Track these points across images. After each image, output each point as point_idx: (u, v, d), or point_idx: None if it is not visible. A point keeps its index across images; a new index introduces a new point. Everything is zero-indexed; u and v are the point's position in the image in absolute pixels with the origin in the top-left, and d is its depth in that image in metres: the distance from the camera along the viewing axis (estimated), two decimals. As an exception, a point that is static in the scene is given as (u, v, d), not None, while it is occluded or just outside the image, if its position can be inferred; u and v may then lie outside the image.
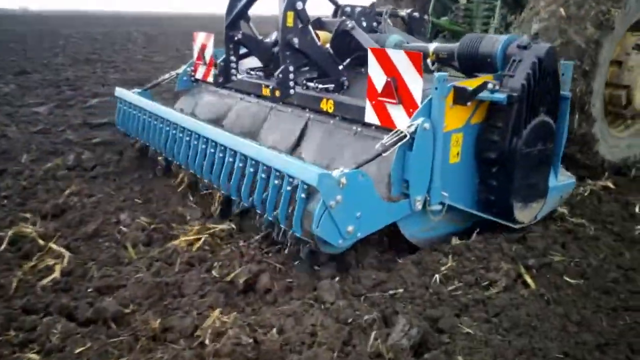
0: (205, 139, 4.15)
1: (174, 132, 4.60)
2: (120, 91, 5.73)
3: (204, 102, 5.63)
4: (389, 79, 3.39)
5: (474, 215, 3.64)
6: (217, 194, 4.17)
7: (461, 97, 3.30)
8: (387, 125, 3.47)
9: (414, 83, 3.28)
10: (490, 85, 3.38)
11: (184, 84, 5.99)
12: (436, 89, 3.21)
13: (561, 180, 4.06)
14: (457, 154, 3.50)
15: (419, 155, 3.26)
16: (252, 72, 4.97)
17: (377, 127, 3.62)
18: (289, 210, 3.20)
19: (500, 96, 3.36)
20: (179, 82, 5.99)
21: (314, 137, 4.13)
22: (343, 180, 2.96)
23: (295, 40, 3.88)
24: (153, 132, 4.94)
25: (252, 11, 4.59)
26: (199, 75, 5.67)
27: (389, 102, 3.44)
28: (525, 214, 3.77)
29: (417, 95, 3.26)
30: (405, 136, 3.14)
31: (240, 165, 3.72)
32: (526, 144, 3.55)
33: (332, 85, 4.11)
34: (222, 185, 3.92)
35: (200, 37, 5.55)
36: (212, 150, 4.05)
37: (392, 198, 3.29)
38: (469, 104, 3.35)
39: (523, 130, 3.53)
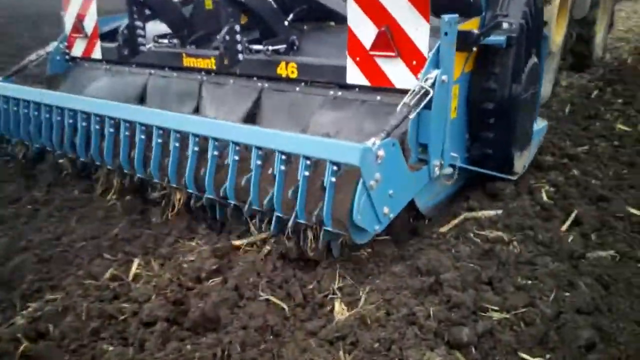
0: (149, 127, 3.39)
1: (96, 126, 3.70)
2: None
3: (99, 85, 4.54)
4: (381, 29, 2.89)
5: (466, 174, 3.41)
6: (177, 194, 3.48)
7: (466, 42, 2.97)
8: (379, 84, 3.05)
9: (418, 30, 2.80)
10: (505, 25, 3.11)
11: (58, 65, 4.91)
12: (446, 34, 2.79)
13: (539, 124, 4.03)
14: (455, 108, 3.13)
15: (438, 113, 2.89)
16: (162, 41, 4.22)
17: (361, 88, 3.19)
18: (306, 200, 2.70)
19: (499, 38, 3.09)
20: (51, 63, 4.90)
21: (274, 111, 3.47)
22: (381, 153, 2.51)
23: None
24: (56, 129, 3.98)
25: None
26: (76, 51, 4.77)
27: (382, 57, 2.96)
28: (520, 163, 3.67)
29: (423, 44, 2.82)
30: (427, 92, 2.72)
31: (216, 153, 3.09)
32: (525, 89, 3.37)
33: (283, 47, 3.53)
34: (188, 182, 3.27)
35: (74, 4, 4.51)
36: (173, 140, 3.28)
37: (412, 167, 2.92)
38: (474, 49, 3.07)
39: (522, 75, 3.32)
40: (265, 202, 2.93)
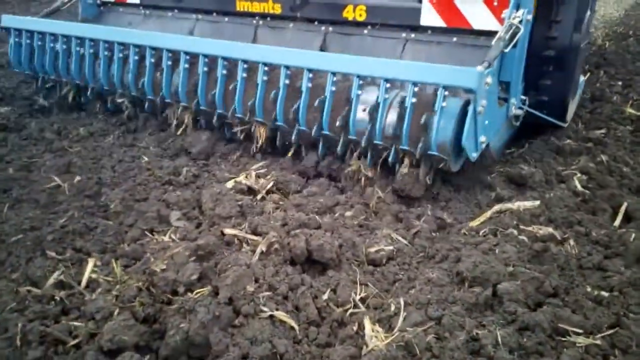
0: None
1: (169, 62, 3.60)
2: (15, 19, 4.40)
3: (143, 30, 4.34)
4: None
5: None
6: (261, 129, 3.41)
7: None
8: (456, 25, 3.13)
9: None
10: None
11: (89, 9, 4.78)
12: None
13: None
14: None
15: (521, 52, 3.00)
16: None
17: (434, 30, 3.28)
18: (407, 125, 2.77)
19: None
20: (83, 7, 4.75)
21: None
22: (489, 79, 2.61)
23: None
24: (117, 65, 3.88)
25: None
26: None
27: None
28: (570, 111, 3.85)
29: None
30: (518, 30, 2.75)
31: (310, 85, 3.05)
32: (583, 38, 3.51)
33: None
34: (279, 117, 3.23)
35: None
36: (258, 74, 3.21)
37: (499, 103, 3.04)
38: None
39: (582, 25, 3.43)
40: (367, 134, 2.94)
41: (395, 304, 2.11)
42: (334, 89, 3.00)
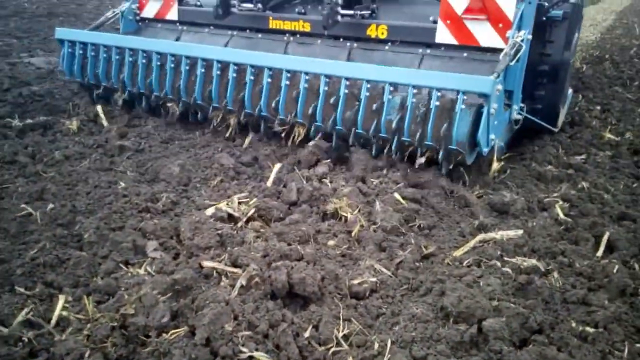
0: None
1: (218, 72, 4.07)
2: (69, 32, 4.92)
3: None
4: None
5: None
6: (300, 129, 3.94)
7: (539, 12, 3.64)
8: (466, 43, 3.67)
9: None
10: (566, 3, 3.92)
11: (129, 24, 5.24)
12: (529, 2, 3.51)
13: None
14: None
15: (522, 66, 3.56)
16: (245, 5, 4.61)
17: (446, 46, 3.79)
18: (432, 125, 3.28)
19: (558, 12, 3.89)
20: (124, 23, 5.20)
21: None
22: (499, 87, 3.17)
23: None
24: (168, 74, 4.31)
25: None
26: (147, 13, 5.12)
27: (472, 19, 3.59)
28: (561, 118, 4.49)
29: (510, 10, 3.45)
30: (520, 48, 3.32)
31: (346, 91, 3.58)
32: (571, 55, 4.20)
33: (368, 12, 4.10)
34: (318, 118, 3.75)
35: None
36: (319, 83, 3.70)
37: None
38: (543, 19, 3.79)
39: (571, 44, 4.11)
40: (396, 132, 3.47)
41: (379, 342, 2.06)
42: (368, 94, 3.52)
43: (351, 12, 4.07)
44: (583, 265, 2.55)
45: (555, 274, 2.44)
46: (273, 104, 3.91)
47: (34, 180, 3.52)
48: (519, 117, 3.75)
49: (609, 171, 3.95)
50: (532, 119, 3.98)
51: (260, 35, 4.67)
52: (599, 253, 2.72)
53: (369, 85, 3.50)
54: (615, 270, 2.47)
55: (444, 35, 3.73)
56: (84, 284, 2.45)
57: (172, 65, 4.28)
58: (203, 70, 4.16)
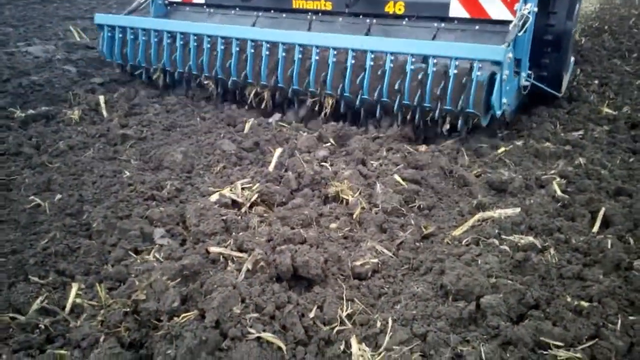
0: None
1: (251, 50, 4.44)
2: (108, 17, 5.37)
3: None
4: None
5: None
6: (329, 100, 4.32)
7: None
8: (478, 16, 4.07)
9: None
10: None
11: (159, 8, 5.68)
12: None
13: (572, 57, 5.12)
14: None
15: (529, 36, 3.86)
16: None
17: (459, 20, 4.18)
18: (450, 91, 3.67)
19: None
20: (154, 8, 5.66)
21: None
22: (510, 55, 3.53)
23: None
24: (205, 53, 4.71)
25: None
26: None
27: None
28: (564, 84, 4.78)
29: None
30: (527, 19, 3.66)
31: (372, 64, 3.97)
32: (574, 25, 4.47)
33: None
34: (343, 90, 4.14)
35: None
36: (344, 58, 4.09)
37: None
38: None
39: (573, 14, 4.38)
40: (417, 99, 3.84)
41: (381, 321, 2.14)
42: (392, 65, 3.90)
43: None
44: (579, 241, 2.62)
45: (552, 251, 2.51)
46: (305, 78, 4.32)
47: (40, 171, 3.58)
48: (527, 83, 4.05)
49: (606, 146, 3.99)
50: (539, 85, 4.28)
51: (284, 15, 5.01)
52: (595, 229, 2.79)
53: (392, 58, 3.88)
54: (610, 245, 2.54)
55: (457, 9, 4.15)
56: (95, 272, 2.53)
57: (209, 46, 4.70)
58: (237, 49, 4.57)
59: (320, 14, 4.85)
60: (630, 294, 2.20)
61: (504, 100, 3.68)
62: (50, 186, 3.35)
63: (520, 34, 3.66)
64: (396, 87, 3.88)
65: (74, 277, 2.47)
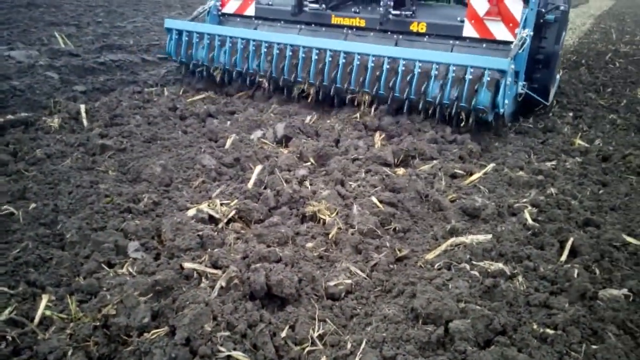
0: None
1: (316, 55, 5.29)
2: (176, 22, 6.33)
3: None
4: (492, 4, 4.93)
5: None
6: (366, 97, 5.27)
7: (538, 16, 4.95)
8: (485, 37, 5.06)
9: (516, 6, 4.87)
10: (557, 9, 5.27)
11: (214, 18, 6.57)
12: (531, 9, 4.79)
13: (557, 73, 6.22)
14: None
15: (525, 54, 4.83)
16: (312, 5, 5.91)
17: (470, 39, 5.16)
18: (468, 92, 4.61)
19: (551, 16, 5.22)
20: (210, 17, 6.55)
21: None
22: (512, 66, 4.52)
23: None
24: (262, 56, 5.61)
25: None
26: (228, 9, 6.52)
27: (490, 20, 4.97)
28: (551, 95, 5.78)
29: (518, 14, 4.84)
30: (525, 41, 4.70)
31: (403, 69, 4.92)
32: (560, 48, 5.52)
33: (409, 12, 5.45)
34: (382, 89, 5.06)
35: None
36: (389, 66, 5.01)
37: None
38: (540, 21, 5.15)
39: (560, 39, 5.42)
40: (439, 97, 4.79)
41: (352, 342, 2.16)
42: (419, 71, 4.82)
43: (398, 12, 5.43)
44: (547, 270, 2.69)
45: (520, 278, 2.57)
46: (346, 79, 5.23)
47: (16, 179, 3.54)
48: (522, 91, 4.94)
49: (577, 177, 4.11)
50: (531, 94, 5.18)
51: (323, 29, 5.93)
52: (563, 258, 2.87)
53: (419, 64, 4.80)
54: (576, 275, 2.61)
55: (469, 30, 5.10)
56: (67, 284, 2.51)
57: (265, 50, 5.58)
58: (290, 53, 5.44)
59: (354, 29, 5.76)
60: (594, 324, 2.26)
61: (506, 100, 4.59)
62: (25, 194, 3.31)
63: (519, 52, 4.64)
64: (422, 89, 4.82)
65: (45, 289, 2.44)
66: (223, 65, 5.96)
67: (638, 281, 2.61)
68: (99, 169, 3.78)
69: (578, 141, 4.97)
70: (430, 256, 2.89)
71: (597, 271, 2.73)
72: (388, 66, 4.94)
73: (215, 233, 2.95)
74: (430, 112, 4.99)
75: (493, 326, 2.22)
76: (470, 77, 4.55)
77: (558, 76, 6.29)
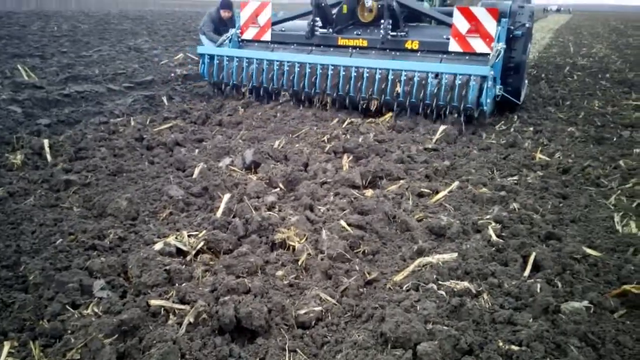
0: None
1: (330, 70, 6.62)
2: (207, 49, 7.71)
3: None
4: (471, 24, 6.13)
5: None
6: (375, 102, 6.54)
7: (508, 31, 6.29)
8: (467, 50, 6.26)
9: (490, 25, 6.07)
10: (524, 26, 6.64)
11: (235, 44, 7.76)
12: (503, 27, 6.14)
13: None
14: None
15: (500, 62, 6.08)
16: (321, 30, 7.14)
17: (456, 53, 6.37)
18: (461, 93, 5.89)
19: (519, 32, 6.58)
20: (232, 43, 7.74)
21: None
22: (491, 72, 5.80)
23: (394, 5, 6.54)
24: (285, 74, 6.92)
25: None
26: (247, 36, 7.73)
27: (471, 37, 6.17)
28: (522, 96, 7.12)
29: (493, 31, 6.07)
30: (500, 52, 6.01)
31: (405, 78, 6.24)
32: (526, 57, 6.91)
33: (404, 33, 6.75)
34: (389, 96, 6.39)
35: (251, 5, 7.57)
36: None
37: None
38: (510, 36, 6.46)
39: (527, 50, 6.86)
40: (435, 100, 6.10)
41: (321, 371, 2.17)
42: (418, 79, 6.09)
43: (395, 33, 6.69)
44: (511, 286, 2.76)
45: (485, 295, 2.63)
46: (358, 88, 6.49)
47: (-24, 220, 3.45)
48: (499, 93, 6.16)
49: (538, 191, 4.24)
50: (506, 95, 6.44)
51: (331, 49, 7.11)
52: (526, 273, 2.95)
53: (418, 74, 6.07)
54: (539, 289, 2.69)
55: (454, 46, 6.30)
56: (30, 328, 2.44)
57: (287, 68, 6.82)
58: (309, 70, 6.74)
59: (358, 49, 6.96)
60: (557, 338, 2.32)
61: (488, 100, 5.84)
62: (-15, 236, 3.23)
63: (495, 61, 5.89)
64: (421, 93, 6.05)
65: (7, 335, 2.38)
66: (251, 83, 7.18)
67: (598, 293, 2.70)
68: (63, 206, 3.72)
69: (539, 155, 5.13)
70: (398, 278, 2.93)
71: (559, 284, 2.81)
72: (392, 77, 6.19)
73: (183, 266, 2.93)
74: (428, 111, 6.23)
75: (460, 346, 2.25)
76: (460, 82, 5.79)
77: (526, 81, 7.68)
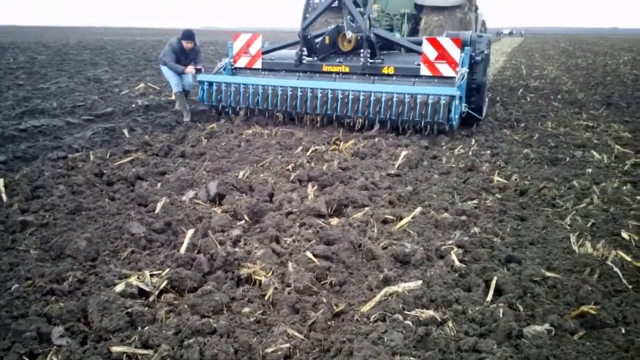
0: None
1: (320, 93, 7.62)
2: (207, 76, 8.39)
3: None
4: (439, 52, 7.24)
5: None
6: (360, 119, 7.64)
7: (470, 58, 7.51)
8: (436, 74, 7.37)
9: (455, 52, 7.20)
10: (483, 53, 7.85)
11: (228, 72, 8.59)
12: (466, 54, 7.34)
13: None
14: None
15: (464, 84, 7.22)
16: (307, 58, 8.18)
17: (426, 77, 7.46)
18: (433, 111, 7.02)
19: (479, 58, 7.72)
20: (226, 71, 8.60)
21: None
22: (458, 92, 6.92)
23: (372, 36, 7.61)
24: (279, 96, 7.88)
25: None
26: (239, 64, 8.60)
27: (439, 63, 7.29)
28: (484, 113, 8.25)
29: (457, 57, 7.22)
30: (464, 75, 7.16)
31: (384, 99, 7.30)
32: (486, 79, 8.05)
33: (380, 60, 7.81)
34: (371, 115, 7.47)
35: (243, 37, 8.49)
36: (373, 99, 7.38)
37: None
38: (472, 61, 7.64)
39: (486, 72, 7.96)
40: (411, 116, 7.18)
41: (290, 412, 2.14)
42: (396, 99, 7.15)
43: (373, 60, 7.74)
44: (475, 312, 2.81)
45: (450, 323, 2.67)
46: (345, 108, 7.55)
47: None
48: (465, 110, 7.31)
49: (497, 214, 4.36)
50: (470, 112, 7.53)
51: (317, 75, 8.08)
52: (489, 298, 3.01)
53: (397, 95, 7.11)
54: (501, 314, 2.75)
55: (424, 71, 7.38)
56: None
57: (280, 92, 7.81)
58: (300, 93, 7.73)
59: (340, 74, 7.96)
60: (521, 363, 2.37)
61: (456, 116, 6.95)
62: None
63: (460, 83, 6.99)
64: (399, 111, 7.12)
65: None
66: (247, 105, 8.09)
67: (558, 315, 2.78)
68: (20, 248, 3.59)
69: (496, 178, 5.30)
70: (365, 308, 2.94)
71: (521, 308, 2.88)
72: (374, 97, 7.23)
73: (146, 308, 2.86)
74: (405, 127, 7.37)
75: (427, 377, 2.27)
76: (431, 101, 6.87)
77: (486, 99, 8.84)
